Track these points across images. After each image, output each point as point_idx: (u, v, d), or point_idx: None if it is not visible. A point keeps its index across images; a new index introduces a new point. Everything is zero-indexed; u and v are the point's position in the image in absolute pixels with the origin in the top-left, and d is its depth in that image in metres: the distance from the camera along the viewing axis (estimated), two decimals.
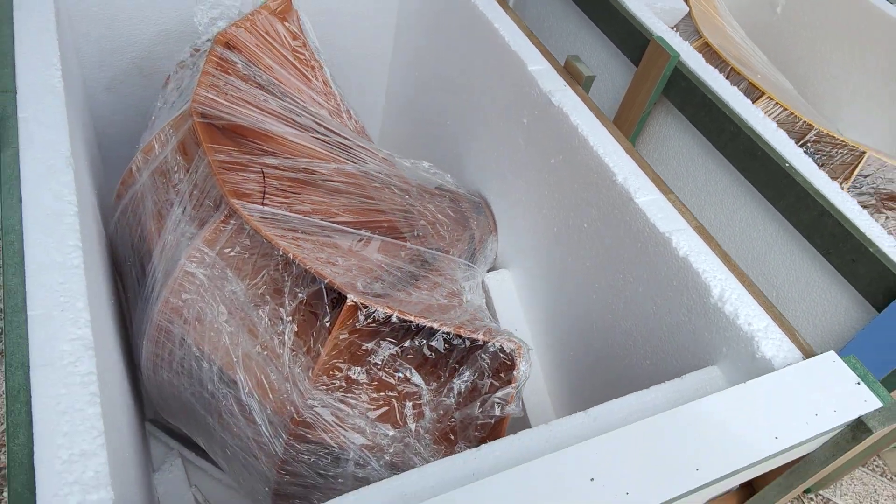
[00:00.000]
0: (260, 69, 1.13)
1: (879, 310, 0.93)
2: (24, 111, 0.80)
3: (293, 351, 0.81)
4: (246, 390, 0.84)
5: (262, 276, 0.85)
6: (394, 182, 1.16)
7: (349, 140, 1.16)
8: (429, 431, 0.80)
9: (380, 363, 0.79)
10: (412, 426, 0.80)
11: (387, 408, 0.80)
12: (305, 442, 0.82)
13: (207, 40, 1.11)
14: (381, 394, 0.80)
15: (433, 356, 0.79)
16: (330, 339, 0.78)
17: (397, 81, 1.63)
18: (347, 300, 0.78)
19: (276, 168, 0.97)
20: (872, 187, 1.23)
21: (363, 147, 1.19)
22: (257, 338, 0.84)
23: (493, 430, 0.78)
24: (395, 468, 0.82)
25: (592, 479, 0.59)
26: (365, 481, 0.83)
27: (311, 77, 1.21)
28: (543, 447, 0.65)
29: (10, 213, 0.70)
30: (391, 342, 0.79)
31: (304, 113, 1.12)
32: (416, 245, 1.07)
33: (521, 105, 1.12)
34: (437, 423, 0.80)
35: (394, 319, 0.78)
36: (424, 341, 0.78)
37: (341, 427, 0.81)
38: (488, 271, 1.27)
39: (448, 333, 0.78)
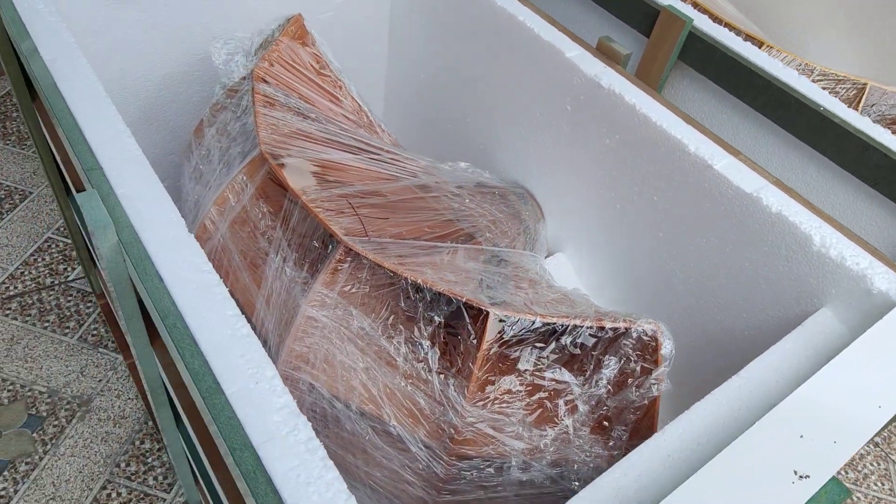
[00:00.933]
0: (299, 99, 1.11)
1: None
2: (121, 187, 0.77)
3: (441, 374, 0.81)
4: (393, 422, 0.84)
5: (388, 307, 0.85)
6: (446, 188, 1.17)
7: (397, 155, 1.16)
8: (584, 424, 0.83)
9: (529, 368, 0.81)
10: (568, 422, 0.82)
11: (541, 409, 0.82)
12: (467, 459, 0.83)
13: (243, 78, 1.08)
14: (534, 397, 0.82)
15: (579, 351, 0.82)
16: (480, 354, 0.79)
17: (394, 88, 1.62)
18: (490, 314, 0.79)
19: (356, 197, 0.97)
20: (879, 115, 1.32)
21: (410, 159, 1.19)
22: (397, 368, 0.84)
23: (648, 411, 0.82)
24: (557, 465, 0.84)
25: (802, 436, 0.64)
26: (530, 484, 0.85)
27: (340, 97, 1.20)
28: (735, 417, 0.69)
29: (158, 296, 0.68)
30: (537, 346, 0.81)
31: (353, 137, 1.11)
32: (490, 247, 1.09)
33: (563, 92, 1.14)
34: (591, 414, 0.83)
35: (537, 324, 0.80)
36: (570, 339, 0.81)
37: (501, 437, 0.82)
38: (545, 258, 1.29)
39: (591, 327, 0.80)
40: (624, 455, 0.84)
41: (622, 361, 0.82)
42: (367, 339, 0.85)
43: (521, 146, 1.30)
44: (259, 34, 1.22)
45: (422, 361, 0.83)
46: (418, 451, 0.84)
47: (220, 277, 0.96)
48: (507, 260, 1.07)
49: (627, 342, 0.81)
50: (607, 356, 0.82)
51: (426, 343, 0.83)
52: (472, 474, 0.84)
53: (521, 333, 0.80)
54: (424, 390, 0.83)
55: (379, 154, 1.12)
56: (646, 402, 0.81)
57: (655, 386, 0.80)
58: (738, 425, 0.68)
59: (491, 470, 0.84)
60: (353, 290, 0.85)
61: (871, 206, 1.11)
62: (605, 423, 0.83)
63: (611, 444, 0.83)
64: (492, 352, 0.80)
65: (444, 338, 0.83)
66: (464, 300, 0.80)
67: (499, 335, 0.80)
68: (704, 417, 0.70)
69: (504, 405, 0.81)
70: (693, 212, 1.01)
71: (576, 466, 0.84)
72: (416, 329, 0.84)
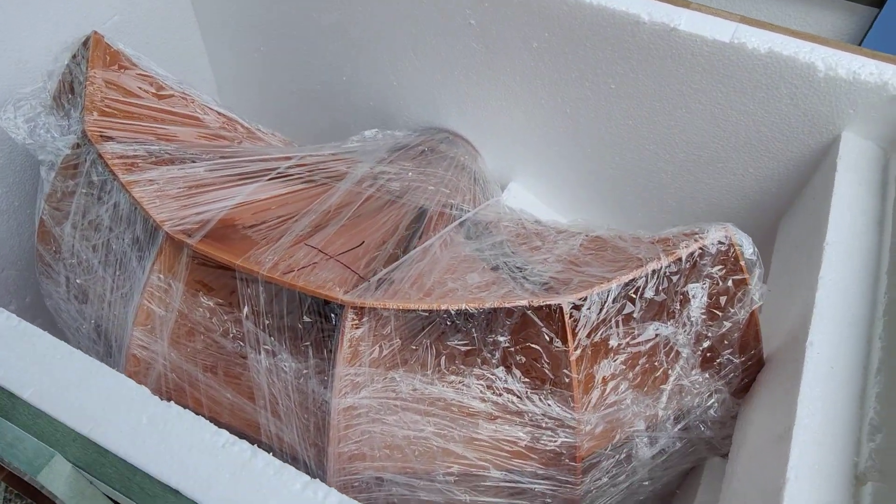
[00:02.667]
0: (159, 141, 0.83)
1: (879, 6, 0.97)
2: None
3: (535, 394, 0.66)
4: (493, 471, 0.69)
5: (433, 351, 0.66)
6: (373, 171, 0.96)
7: (304, 162, 0.93)
8: (692, 366, 0.72)
9: (622, 342, 0.68)
10: (677, 371, 0.71)
11: (646, 374, 0.70)
12: (596, 468, 0.70)
13: (75, 146, 0.78)
14: (636, 367, 0.69)
15: (664, 296, 0.69)
16: (572, 356, 0.64)
17: (233, 75, 1.33)
18: (565, 310, 0.64)
19: (307, 236, 0.75)
20: None
21: (317, 159, 0.96)
22: (477, 413, 0.67)
23: (750, 322, 0.72)
24: (679, 420, 0.73)
25: None
26: (660, 453, 0.74)
27: (199, 115, 0.93)
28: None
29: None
30: (619, 317, 0.67)
31: (245, 161, 0.86)
32: (457, 213, 0.91)
33: (460, 4, 0.95)
34: (695, 354, 0.72)
35: (613, 291, 0.66)
36: (651, 289, 0.67)
37: (622, 427, 0.70)
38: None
39: (665, 266, 0.67)
40: (740, 376, 0.74)
41: (708, 285, 0.70)
42: (426, 398, 0.67)
43: (425, 85, 1.10)
44: (50, 76, 0.89)
45: (508, 391, 0.66)
46: (537, 484, 0.70)
47: (189, 406, 0.72)
48: (484, 221, 0.91)
49: (706, 262, 0.70)
50: (690, 286, 0.70)
51: (500, 371, 0.66)
52: (604, 478, 0.71)
53: (601, 311, 0.66)
54: (521, 422, 0.67)
55: (284, 170, 0.89)
56: (746, 315, 0.71)
57: (753, 296, 0.70)
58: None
59: (624, 464, 0.72)
60: (385, 353, 0.66)
61: (811, 10, 1.05)
62: (711, 354, 0.73)
63: (723, 371, 0.73)
64: (582, 346, 0.65)
65: (518, 356, 0.67)
66: (527, 304, 0.63)
67: (580, 327, 0.65)
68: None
69: (612, 393, 0.68)
70: (666, 85, 0.89)
71: (698, 412, 0.74)
72: (479, 360, 0.67)
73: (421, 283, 0.68)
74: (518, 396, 0.66)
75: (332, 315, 0.64)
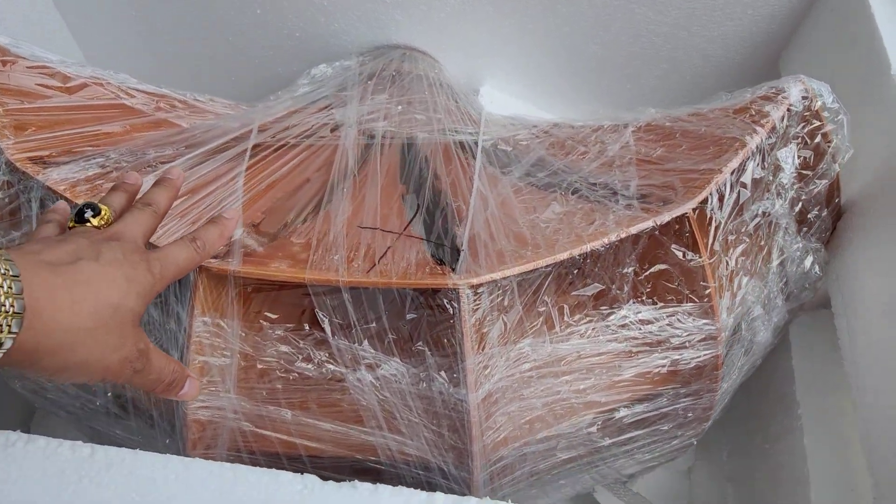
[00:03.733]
0: (102, 151, 0.64)
1: None
2: None
3: (673, 317, 0.60)
4: (640, 406, 0.64)
5: (557, 306, 0.58)
6: (363, 115, 0.82)
7: (273, 124, 0.77)
8: (793, 234, 0.68)
9: (739, 234, 0.62)
10: (779, 244, 0.67)
11: (755, 258, 0.66)
12: (729, 367, 0.66)
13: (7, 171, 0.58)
14: (749, 254, 0.64)
15: (762, 172, 0.63)
16: (707, 266, 0.58)
17: (98, 52, 1.06)
18: (692, 218, 0.56)
19: (355, 214, 0.61)
20: None
21: (282, 113, 0.80)
22: (616, 356, 0.60)
23: (833, 187, 0.68)
24: (785, 288, 0.71)
25: None
26: (775, 329, 0.72)
27: (123, 100, 0.73)
28: None
29: None
30: (736, 209, 0.61)
31: (216, 146, 0.69)
32: (471, 140, 0.80)
33: None
34: (792, 220, 0.68)
35: (727, 190, 0.59)
36: (757, 172, 0.61)
37: (745, 318, 0.66)
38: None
39: (764, 139, 0.61)
40: (830, 228, 0.72)
41: (796, 147, 0.65)
42: (560, 358, 0.59)
43: (344, 8, 0.93)
44: None
45: (642, 325, 0.60)
46: (677, 405, 0.65)
47: (279, 452, 0.60)
48: (498, 140, 0.80)
49: (791, 122, 0.64)
50: (780, 152, 0.64)
51: (633, 305, 0.59)
52: (733, 376, 0.68)
53: (722, 207, 0.59)
54: (662, 349, 0.61)
55: (260, 142, 0.73)
56: (838, 169, 0.67)
57: (842, 146, 0.66)
58: None
59: (746, 355, 0.68)
60: (511, 325, 0.56)
61: None
62: (802, 216, 0.69)
63: (813, 229, 0.70)
64: (714, 251, 0.59)
65: (648, 283, 0.59)
66: (653, 224, 0.55)
67: (711, 228, 0.58)
68: None
69: (739, 290, 0.63)
70: None
71: (799, 276, 0.71)
72: (609, 301, 0.59)
73: (518, 235, 0.58)
74: (657, 325, 0.59)
75: (444, 302, 0.53)
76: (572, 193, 0.64)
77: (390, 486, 0.40)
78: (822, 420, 0.75)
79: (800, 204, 0.68)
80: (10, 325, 0.34)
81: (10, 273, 0.35)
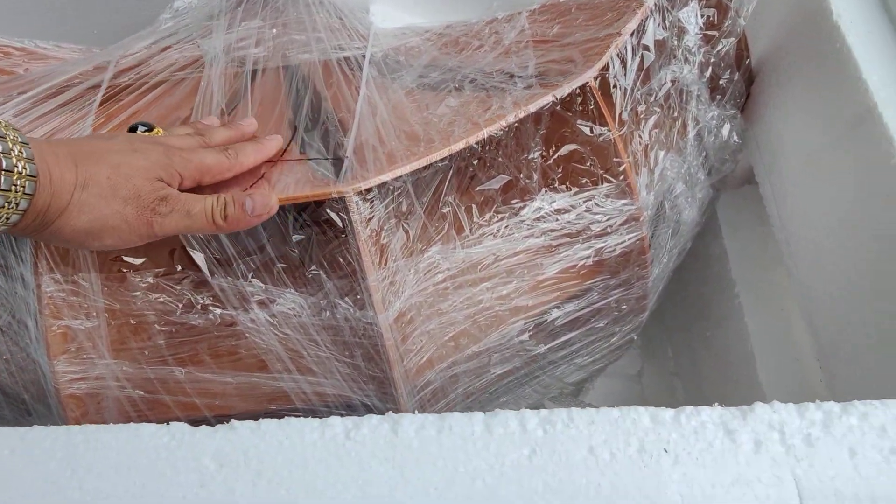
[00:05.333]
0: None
1: None
2: None
3: (590, 201, 0.55)
4: (570, 305, 0.59)
5: (463, 206, 0.52)
6: (232, 43, 0.73)
7: (130, 60, 0.68)
8: (706, 101, 0.64)
9: (648, 105, 0.57)
10: (693, 113, 0.63)
11: (669, 131, 0.61)
12: (658, 249, 0.62)
13: None
14: (662, 125, 0.60)
15: (664, 33, 0.58)
16: (618, 140, 0.53)
17: None
18: (594, 87, 0.51)
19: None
20: None
21: (143, 51, 0.71)
22: (536, 253, 0.55)
23: (741, 46, 0.64)
24: (706, 163, 0.67)
25: None
26: (701, 206, 0.68)
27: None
28: None
29: None
30: (640, 75, 0.55)
31: (59, 87, 0.60)
32: (357, 55, 0.72)
33: None
34: (702, 87, 0.63)
35: (628, 54, 0.54)
36: (659, 33, 0.56)
37: (667, 196, 0.62)
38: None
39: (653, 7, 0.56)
40: (744, 93, 0.68)
41: (698, 4, 0.60)
42: (476, 264, 0.54)
43: None
44: None
45: (558, 215, 0.54)
46: (609, 298, 0.61)
47: (179, 417, 0.53)
48: (388, 51, 0.73)
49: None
50: (681, 13, 0.60)
51: (546, 194, 0.54)
52: (664, 260, 0.64)
53: (626, 73, 0.54)
54: (584, 239, 0.56)
55: (115, 83, 0.64)
56: (743, 24, 0.63)
57: (743, 8, 0.61)
58: None
59: (674, 237, 0.65)
60: (414, 232, 0.50)
61: None
62: (713, 82, 0.65)
63: (727, 95, 0.66)
64: (624, 122, 0.54)
65: (558, 168, 0.54)
66: (552, 98, 0.50)
67: (618, 97, 0.53)
68: None
69: (656, 165, 0.59)
70: None
71: (718, 148, 0.67)
72: (519, 193, 0.54)
73: (410, 134, 0.51)
74: (574, 212, 0.54)
75: (332, 216, 0.47)
76: (469, 84, 0.58)
77: (275, 420, 0.34)
78: (760, 296, 0.73)
79: (710, 69, 0.64)
80: (23, 187, 0.36)
81: (20, 140, 0.36)
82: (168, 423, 0.33)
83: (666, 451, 0.32)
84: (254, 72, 0.66)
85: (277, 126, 0.56)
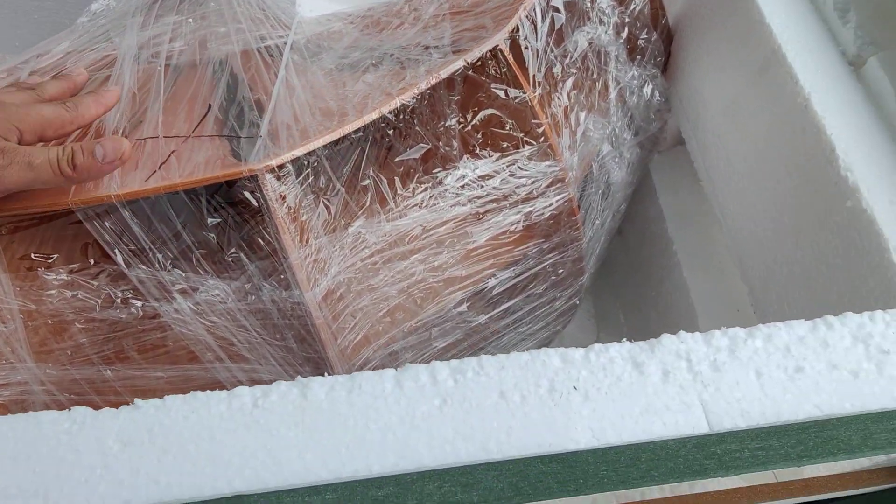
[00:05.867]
0: None
1: None
2: None
3: (513, 166, 0.55)
4: (505, 272, 0.59)
5: (383, 178, 0.52)
6: (148, 39, 0.71)
7: (44, 61, 0.66)
8: (624, 61, 0.64)
9: (564, 67, 0.57)
10: (613, 74, 0.63)
11: (590, 92, 0.62)
12: (588, 211, 0.63)
13: None
14: (582, 87, 0.60)
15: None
16: (534, 101, 0.53)
17: None
18: (504, 50, 0.51)
19: (135, 131, 0.52)
20: None
21: (58, 52, 0.69)
22: (463, 221, 0.55)
23: (655, 5, 0.65)
24: (631, 123, 0.67)
25: None
26: (629, 166, 0.69)
27: None
28: None
29: None
30: (552, 37, 0.56)
31: None
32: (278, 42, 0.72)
33: None
34: (620, 47, 0.64)
35: (537, 16, 0.54)
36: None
37: (593, 157, 0.62)
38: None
39: None
40: (663, 53, 0.69)
41: None
42: (403, 236, 0.53)
43: None
44: None
45: (482, 181, 0.54)
46: (545, 263, 0.61)
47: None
48: (311, 37, 0.72)
49: None
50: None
51: (468, 161, 0.54)
52: (596, 223, 0.65)
53: (537, 35, 0.54)
54: (510, 204, 0.56)
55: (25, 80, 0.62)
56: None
57: None
58: None
59: (604, 197, 0.65)
60: (335, 208, 0.50)
61: None
62: (631, 43, 0.66)
63: (647, 55, 0.67)
64: (538, 82, 0.54)
65: (477, 134, 0.54)
66: (463, 63, 0.49)
67: (530, 58, 0.53)
68: None
69: (578, 126, 0.59)
70: None
71: (642, 108, 0.68)
72: (440, 161, 0.53)
73: (325, 110, 0.51)
74: (498, 178, 0.54)
75: (246, 196, 0.46)
76: (388, 59, 0.57)
77: (180, 396, 0.33)
78: (696, 252, 0.74)
79: (626, 29, 0.64)
80: None
81: None
82: (69, 409, 0.33)
83: (576, 388, 0.32)
84: (168, 65, 0.65)
85: (188, 110, 0.55)
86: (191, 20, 0.74)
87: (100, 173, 0.42)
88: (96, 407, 0.52)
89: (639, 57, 0.67)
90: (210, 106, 0.55)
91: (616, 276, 0.91)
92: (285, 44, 0.69)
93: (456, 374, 0.33)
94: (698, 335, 0.34)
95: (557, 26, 0.56)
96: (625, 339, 0.88)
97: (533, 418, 0.31)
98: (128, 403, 0.52)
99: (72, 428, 0.31)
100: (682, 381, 0.32)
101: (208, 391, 0.33)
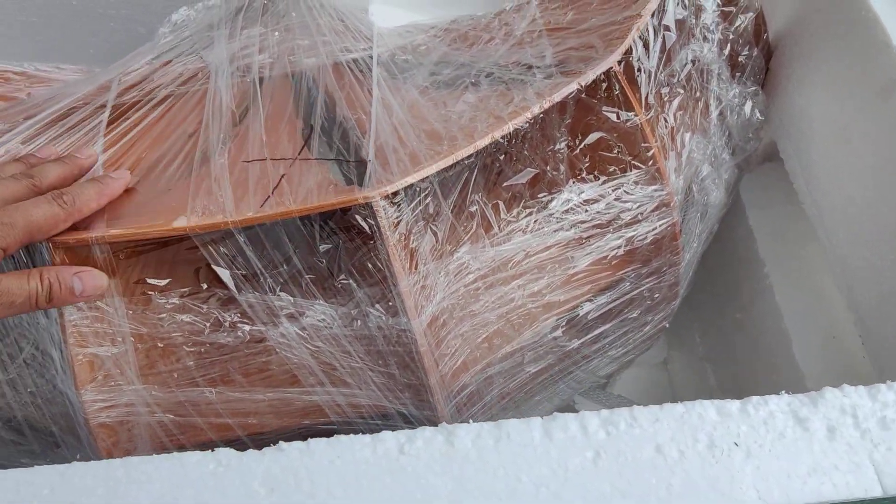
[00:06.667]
0: None
1: None
2: None
3: (619, 190, 0.53)
4: (602, 297, 0.58)
5: (490, 203, 0.50)
6: (236, 52, 0.71)
7: (132, 78, 0.67)
8: (727, 80, 0.62)
9: (671, 85, 0.55)
10: (715, 93, 0.61)
11: (693, 111, 0.60)
12: (688, 235, 0.61)
13: None
14: (686, 106, 0.58)
15: (684, 12, 0.56)
16: (645, 124, 0.51)
17: None
18: (618, 72, 0.49)
19: (239, 152, 0.52)
20: None
21: (144, 67, 0.69)
22: (567, 246, 0.54)
23: (759, 20, 0.62)
24: (729, 142, 0.65)
25: None
26: (727, 186, 0.67)
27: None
28: None
29: None
30: (664, 55, 0.54)
31: (62, 111, 0.59)
32: (364, 56, 0.71)
33: None
34: (723, 64, 0.62)
35: (650, 34, 0.52)
36: (679, 12, 0.54)
37: (695, 179, 0.60)
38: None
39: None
40: (764, 68, 0.67)
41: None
42: (506, 261, 0.52)
43: None
44: None
45: (588, 205, 0.53)
46: (641, 288, 0.60)
47: (212, 440, 0.52)
48: (395, 50, 0.71)
49: None
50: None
51: (574, 185, 0.52)
52: (693, 245, 0.63)
53: (649, 55, 0.52)
54: (614, 229, 0.55)
55: (119, 101, 0.62)
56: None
57: None
58: None
59: (704, 220, 0.63)
60: (442, 234, 0.49)
61: None
62: (733, 59, 0.63)
63: (748, 71, 0.64)
64: (650, 105, 0.52)
65: (585, 157, 0.53)
66: (577, 86, 0.48)
67: (644, 80, 0.51)
68: None
69: (683, 148, 0.57)
70: None
71: (741, 126, 0.66)
72: (546, 185, 0.52)
73: (430, 132, 0.50)
74: (603, 202, 0.53)
75: (359, 221, 0.45)
76: (485, 78, 0.56)
77: (324, 439, 0.32)
78: (790, 274, 0.71)
79: (728, 46, 0.62)
80: None
81: None
82: (213, 450, 0.32)
83: (737, 444, 0.30)
84: (261, 78, 0.65)
85: (290, 130, 0.55)
86: (276, 33, 0.74)
87: (74, 302, 0.42)
88: (198, 428, 0.52)
89: (739, 73, 0.65)
90: (312, 126, 0.54)
91: (694, 295, 0.89)
92: (370, 57, 0.68)
93: (608, 426, 0.31)
94: (862, 389, 0.32)
95: (668, 46, 0.54)
96: (701, 360, 0.85)
97: (693, 476, 0.30)
98: (229, 426, 0.52)
99: (217, 470, 0.31)
100: (850, 439, 0.31)
101: (351, 435, 0.32)
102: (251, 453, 0.32)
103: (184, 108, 0.61)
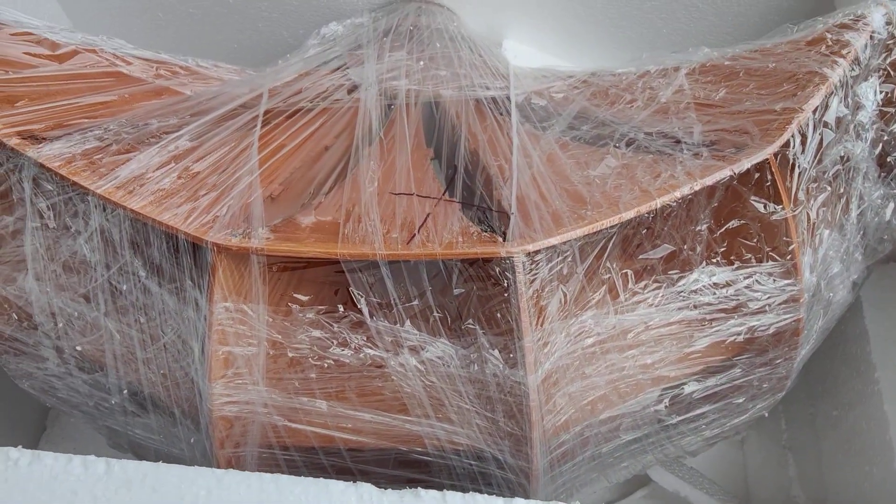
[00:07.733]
0: (100, 123, 0.57)
1: None
2: None
3: (751, 278, 0.53)
4: (711, 380, 0.57)
5: (622, 272, 0.51)
6: (383, 74, 0.74)
7: (282, 89, 0.70)
8: (873, 180, 0.61)
9: (819, 181, 0.55)
10: (858, 191, 0.60)
11: (834, 208, 0.58)
12: (809, 331, 0.60)
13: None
14: (829, 203, 0.57)
15: (844, 110, 0.55)
16: (791, 219, 0.51)
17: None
18: (773, 164, 0.49)
19: (387, 180, 0.54)
20: None
21: (292, 76, 0.73)
22: (689, 325, 0.54)
23: None
24: (863, 241, 0.63)
25: None
26: (854, 286, 0.65)
27: (120, 68, 0.66)
28: None
29: None
30: (819, 152, 0.53)
31: (224, 113, 0.63)
32: (477, 92, 0.72)
33: None
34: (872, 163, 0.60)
35: (809, 130, 0.52)
36: (841, 110, 0.54)
37: (825, 277, 0.59)
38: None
39: (847, 71, 0.53)
40: None
41: (877, 80, 0.58)
42: (626, 330, 0.53)
43: None
44: None
45: (717, 289, 0.53)
46: (752, 376, 0.59)
47: (315, 447, 0.54)
48: (531, 94, 0.72)
49: (870, 52, 0.56)
50: (859, 87, 0.57)
51: (707, 268, 0.52)
52: (811, 340, 0.61)
53: (805, 150, 0.52)
54: (739, 315, 0.54)
55: (273, 108, 0.66)
56: None
57: None
58: None
59: (826, 316, 0.62)
60: (572, 296, 0.49)
61: None
62: (881, 157, 0.62)
63: (894, 171, 0.63)
64: (800, 202, 0.51)
65: (723, 242, 0.52)
66: (731, 173, 0.48)
67: (796, 176, 0.51)
68: None
69: (820, 245, 0.56)
70: None
71: (877, 226, 0.64)
72: (680, 263, 0.52)
73: (573, 194, 0.51)
74: (733, 288, 0.53)
75: (497, 273, 0.46)
76: (627, 145, 0.57)
77: (460, 494, 0.34)
78: None
79: (880, 146, 0.60)
80: None
81: None
82: (355, 482, 0.34)
83: None
84: (406, 104, 0.67)
85: (421, 159, 0.57)
86: (421, 62, 0.77)
87: None
88: (304, 435, 0.54)
89: (885, 174, 0.63)
90: (456, 167, 0.56)
91: None
92: (507, 98, 0.70)
93: None
94: None
95: (825, 143, 0.53)
96: (784, 448, 0.83)
97: None
98: (332, 438, 0.54)
99: (358, 502, 0.32)
100: None
101: (486, 495, 0.33)
102: (391, 493, 0.34)
103: (334, 125, 0.64)
